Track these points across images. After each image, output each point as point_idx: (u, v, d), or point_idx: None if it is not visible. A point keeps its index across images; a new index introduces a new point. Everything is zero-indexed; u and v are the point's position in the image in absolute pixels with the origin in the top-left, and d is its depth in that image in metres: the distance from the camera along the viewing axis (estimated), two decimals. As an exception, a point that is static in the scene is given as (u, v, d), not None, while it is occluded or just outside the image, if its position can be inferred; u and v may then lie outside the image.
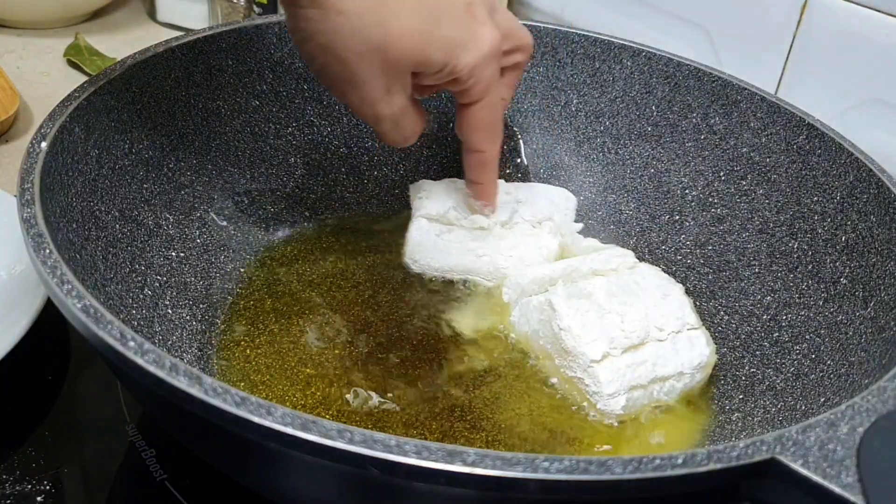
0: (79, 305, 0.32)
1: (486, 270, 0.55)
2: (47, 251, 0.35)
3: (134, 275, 0.46)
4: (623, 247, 0.58)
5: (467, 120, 0.49)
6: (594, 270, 0.51)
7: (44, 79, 0.80)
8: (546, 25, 0.63)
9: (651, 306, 0.48)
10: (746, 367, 0.50)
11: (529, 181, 0.64)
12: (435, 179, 0.59)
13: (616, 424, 0.46)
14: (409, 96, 0.46)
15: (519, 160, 0.65)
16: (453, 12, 0.44)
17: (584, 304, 0.48)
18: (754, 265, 0.54)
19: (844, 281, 0.48)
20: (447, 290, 0.55)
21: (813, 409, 0.43)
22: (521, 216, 0.56)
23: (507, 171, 0.65)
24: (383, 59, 0.43)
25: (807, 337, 0.48)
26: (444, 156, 0.65)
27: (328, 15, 0.41)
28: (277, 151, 0.59)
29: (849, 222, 0.50)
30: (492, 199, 0.55)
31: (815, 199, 0.52)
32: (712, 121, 0.59)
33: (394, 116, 0.46)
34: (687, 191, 0.60)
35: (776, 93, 0.70)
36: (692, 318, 0.50)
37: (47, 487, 0.42)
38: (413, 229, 0.56)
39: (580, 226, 0.59)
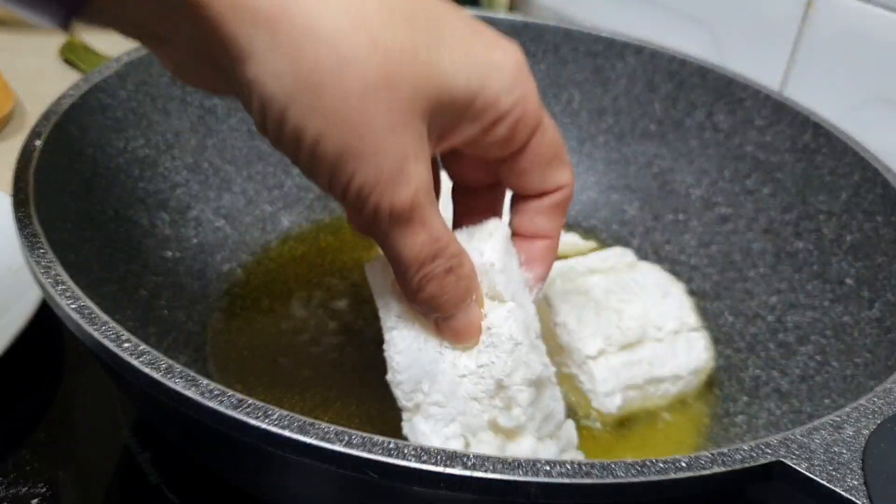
0: (73, 306, 0.32)
1: None
2: (41, 251, 0.35)
3: (129, 275, 0.46)
4: (626, 247, 0.58)
5: (530, 165, 0.34)
6: (591, 269, 0.51)
7: (39, 77, 0.80)
8: (548, 23, 0.63)
9: (650, 304, 0.48)
10: (751, 369, 0.50)
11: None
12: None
13: (620, 418, 0.46)
14: (429, 166, 0.31)
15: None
16: (452, 23, 0.31)
17: (580, 300, 0.47)
18: (759, 265, 0.54)
19: (850, 281, 0.48)
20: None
21: (818, 411, 0.43)
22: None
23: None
24: (390, 99, 0.28)
25: (812, 338, 0.48)
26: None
27: (295, 44, 0.28)
28: (275, 150, 0.59)
29: (855, 222, 0.49)
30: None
31: (821, 198, 0.52)
32: (717, 119, 0.58)
33: (420, 206, 0.30)
34: (691, 190, 0.59)
35: (781, 90, 0.70)
36: (692, 318, 0.49)
37: (42, 490, 0.42)
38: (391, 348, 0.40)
39: None
